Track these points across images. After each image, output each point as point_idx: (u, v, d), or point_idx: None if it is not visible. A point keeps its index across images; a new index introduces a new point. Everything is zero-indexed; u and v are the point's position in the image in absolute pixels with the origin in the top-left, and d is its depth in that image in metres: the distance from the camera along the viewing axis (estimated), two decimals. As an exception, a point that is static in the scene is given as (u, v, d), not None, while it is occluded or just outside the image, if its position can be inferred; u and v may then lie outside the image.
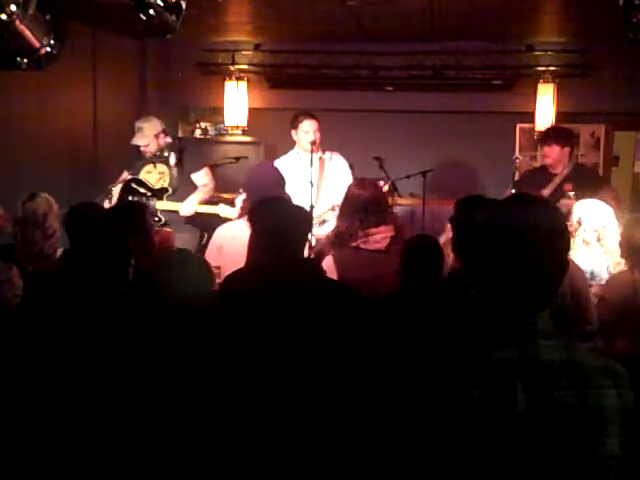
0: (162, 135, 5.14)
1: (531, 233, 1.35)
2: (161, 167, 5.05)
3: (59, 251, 3.62)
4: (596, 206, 3.73)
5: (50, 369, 2.26)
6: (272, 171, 3.90)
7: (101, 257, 2.49)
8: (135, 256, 2.82)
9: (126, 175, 5.12)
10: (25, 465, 2.16)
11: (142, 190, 5.01)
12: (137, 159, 5.16)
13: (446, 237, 4.04)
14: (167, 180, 5.05)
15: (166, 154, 5.07)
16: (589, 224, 3.64)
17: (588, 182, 4.76)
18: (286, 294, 2.48)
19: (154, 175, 5.06)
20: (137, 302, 2.53)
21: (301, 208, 2.91)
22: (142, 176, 5.06)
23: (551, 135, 5.09)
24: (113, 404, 2.15)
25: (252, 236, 2.80)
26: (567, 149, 5.00)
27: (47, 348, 2.29)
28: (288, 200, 3.19)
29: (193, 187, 5.10)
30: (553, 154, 4.97)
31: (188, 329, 2.24)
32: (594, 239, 3.61)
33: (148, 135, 5.03)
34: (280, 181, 3.78)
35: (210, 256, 3.58)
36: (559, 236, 1.38)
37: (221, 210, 4.82)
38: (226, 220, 4.48)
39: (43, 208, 3.57)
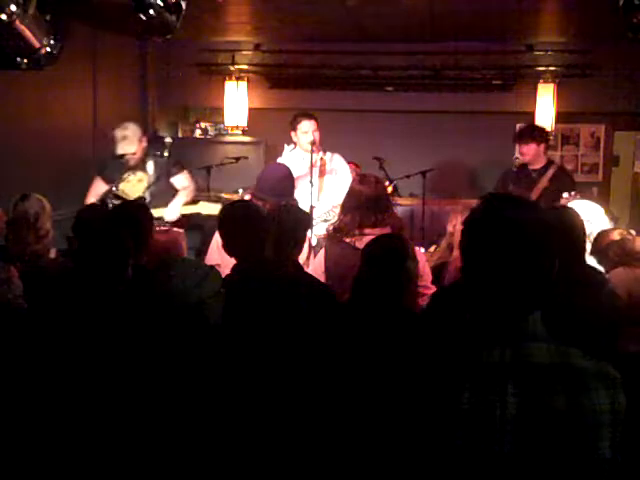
0: (143, 139, 4.96)
1: (519, 233, 1.34)
2: (140, 175, 4.88)
3: (52, 252, 3.61)
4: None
5: (48, 370, 2.26)
6: (279, 172, 3.93)
7: (99, 256, 2.49)
8: (135, 256, 2.82)
9: (101, 186, 4.88)
10: (24, 465, 2.16)
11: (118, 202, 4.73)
12: (113, 169, 4.90)
13: (446, 241, 4.05)
14: (143, 187, 4.88)
15: (144, 160, 4.91)
16: None
17: (566, 187, 4.97)
18: (257, 293, 2.55)
19: (132, 184, 4.87)
20: (137, 301, 2.53)
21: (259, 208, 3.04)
22: (122, 186, 4.85)
23: (527, 133, 5.29)
24: (112, 401, 2.15)
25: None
26: (543, 146, 5.24)
27: (46, 348, 2.30)
28: (253, 202, 3.27)
29: (175, 190, 4.98)
30: (531, 152, 5.19)
31: (184, 327, 2.24)
32: None
33: (134, 141, 4.83)
34: (285, 183, 3.82)
35: (212, 253, 3.61)
36: (549, 237, 1.38)
37: (202, 208, 4.77)
38: (209, 217, 4.48)
39: (35, 209, 3.55)
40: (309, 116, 4.73)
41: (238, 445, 2.10)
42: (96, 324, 2.32)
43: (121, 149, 4.80)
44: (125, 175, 4.89)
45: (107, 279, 2.48)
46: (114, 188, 4.86)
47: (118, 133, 4.83)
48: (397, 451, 1.38)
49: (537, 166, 5.26)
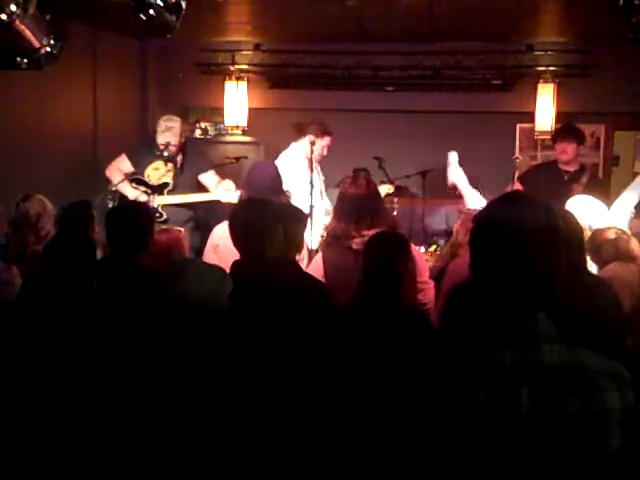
0: (184, 135, 5.23)
1: (528, 233, 1.35)
2: (170, 165, 5.05)
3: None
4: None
5: (46, 370, 2.26)
6: (270, 169, 3.94)
7: (65, 256, 2.49)
8: (137, 256, 2.83)
9: (126, 164, 5.07)
10: (20, 463, 2.16)
11: (142, 188, 5.01)
12: (143, 152, 5.12)
13: (450, 243, 4.05)
14: (170, 177, 5.07)
15: (177, 155, 5.12)
16: None
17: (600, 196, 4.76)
18: (257, 292, 2.55)
19: (161, 172, 5.04)
20: (139, 302, 2.53)
21: (268, 205, 3.01)
22: (149, 172, 5.04)
23: (569, 132, 5.17)
24: (113, 405, 2.15)
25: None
26: (579, 147, 5.13)
27: (43, 348, 2.30)
28: (265, 200, 3.25)
29: (196, 187, 5.18)
30: (571, 151, 5.05)
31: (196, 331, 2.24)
32: None
33: (177, 134, 5.04)
34: (277, 180, 3.82)
35: (207, 254, 3.61)
36: (556, 236, 1.38)
37: (221, 195, 4.83)
38: (228, 206, 4.56)
39: (36, 209, 3.57)
40: (330, 133, 4.89)
41: (241, 446, 2.10)
42: (75, 322, 2.32)
43: (163, 138, 4.98)
44: (155, 163, 5.04)
45: (76, 277, 2.47)
46: (133, 168, 5.03)
47: (163, 123, 5.04)
48: (409, 450, 1.38)
49: (571, 168, 5.09)
